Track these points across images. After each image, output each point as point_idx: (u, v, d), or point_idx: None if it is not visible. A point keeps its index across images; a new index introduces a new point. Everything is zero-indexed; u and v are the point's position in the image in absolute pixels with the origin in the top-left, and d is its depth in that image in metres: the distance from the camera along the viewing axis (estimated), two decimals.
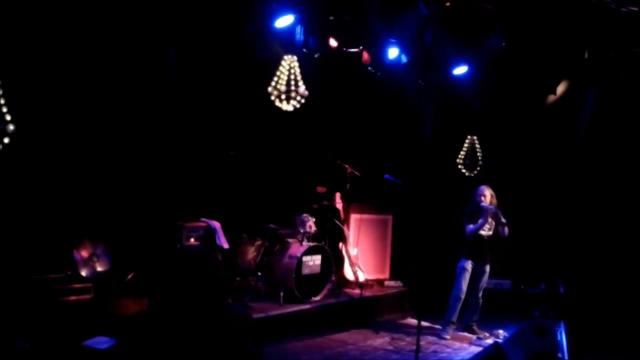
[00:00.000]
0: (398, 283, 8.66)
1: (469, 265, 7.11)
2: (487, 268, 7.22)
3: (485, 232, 7.12)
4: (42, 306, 5.53)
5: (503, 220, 7.00)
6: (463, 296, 7.12)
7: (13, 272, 5.62)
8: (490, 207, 6.98)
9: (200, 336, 5.52)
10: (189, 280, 6.07)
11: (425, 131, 9.58)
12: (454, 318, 7.16)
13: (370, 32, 7.79)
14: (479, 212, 7.07)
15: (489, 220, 7.10)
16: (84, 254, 6.21)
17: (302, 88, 7.78)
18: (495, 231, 7.14)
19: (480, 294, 7.25)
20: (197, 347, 5.46)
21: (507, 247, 8.75)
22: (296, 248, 7.26)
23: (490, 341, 6.93)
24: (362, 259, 8.34)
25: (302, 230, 7.44)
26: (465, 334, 7.31)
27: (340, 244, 8.22)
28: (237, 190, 7.60)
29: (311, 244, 7.34)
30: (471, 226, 7.04)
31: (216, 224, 6.77)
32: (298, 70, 7.80)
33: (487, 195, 7.09)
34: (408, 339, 7.01)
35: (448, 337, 7.11)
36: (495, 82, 8.99)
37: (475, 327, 7.30)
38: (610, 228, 8.23)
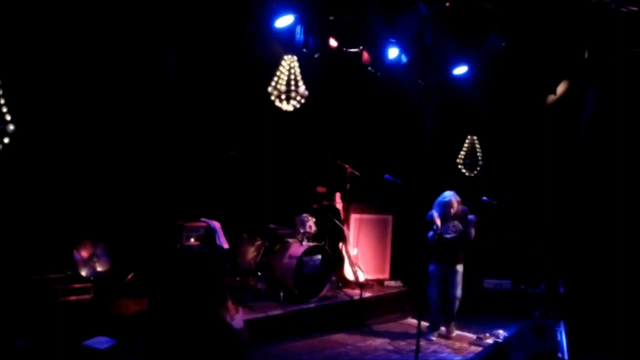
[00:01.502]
0: (398, 283, 8.66)
1: (435, 269, 6.99)
2: (459, 268, 6.97)
3: (450, 235, 6.84)
4: (42, 306, 5.52)
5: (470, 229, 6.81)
6: (437, 298, 7.00)
7: (13, 272, 5.62)
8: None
9: (199, 336, 5.52)
10: (190, 281, 6.06)
11: (425, 131, 9.59)
12: (436, 320, 7.13)
13: (370, 32, 7.79)
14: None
15: (455, 223, 6.87)
16: (84, 254, 6.21)
17: (302, 88, 7.78)
18: (463, 233, 6.86)
19: (457, 293, 6.95)
20: (196, 347, 5.45)
21: (507, 247, 8.80)
22: (296, 248, 7.26)
23: (490, 341, 6.93)
24: (362, 259, 8.34)
25: (302, 230, 7.44)
26: (465, 333, 7.31)
27: (340, 244, 8.21)
28: (237, 190, 7.59)
29: (311, 244, 7.34)
30: (430, 232, 6.84)
31: (216, 224, 6.77)
32: (298, 70, 7.80)
33: (455, 206, 6.91)
34: (408, 339, 7.01)
35: (434, 338, 7.06)
36: (495, 82, 8.99)
37: (452, 326, 7.20)
38: (610, 228, 8.23)
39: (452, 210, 6.92)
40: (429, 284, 7.05)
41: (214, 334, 5.60)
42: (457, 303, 7.03)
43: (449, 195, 6.98)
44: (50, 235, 6.04)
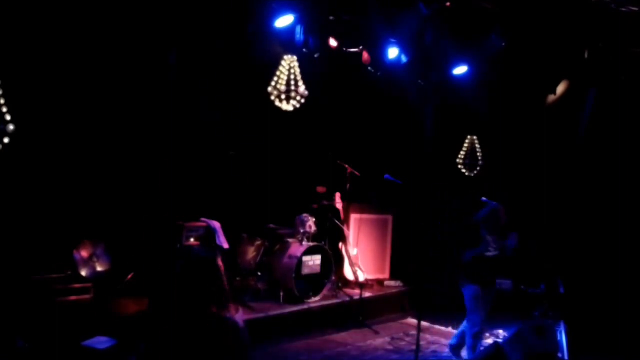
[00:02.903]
0: (398, 283, 8.67)
1: (479, 290, 5.94)
2: (494, 293, 6.22)
3: (492, 252, 6.03)
4: (42, 306, 5.53)
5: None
6: (482, 330, 6.05)
7: (13, 272, 5.62)
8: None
9: (199, 337, 5.51)
10: (191, 286, 6.04)
11: (425, 131, 9.59)
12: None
13: (370, 32, 7.78)
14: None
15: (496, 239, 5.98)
16: (84, 254, 6.21)
17: (302, 88, 7.77)
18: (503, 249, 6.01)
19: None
20: (196, 348, 5.44)
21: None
22: (296, 248, 7.26)
23: (490, 341, 6.92)
24: (362, 259, 8.34)
25: (302, 230, 7.44)
26: None
27: (340, 244, 8.22)
28: (237, 190, 7.60)
29: (311, 244, 7.35)
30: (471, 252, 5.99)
31: (216, 224, 6.77)
32: (298, 70, 7.79)
33: (504, 215, 6.00)
34: (408, 339, 7.02)
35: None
36: (495, 82, 8.99)
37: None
38: (610, 228, 8.23)
39: (502, 222, 5.98)
40: (470, 311, 5.98)
41: (217, 333, 5.59)
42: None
43: (495, 204, 6.07)
44: (50, 235, 6.04)
